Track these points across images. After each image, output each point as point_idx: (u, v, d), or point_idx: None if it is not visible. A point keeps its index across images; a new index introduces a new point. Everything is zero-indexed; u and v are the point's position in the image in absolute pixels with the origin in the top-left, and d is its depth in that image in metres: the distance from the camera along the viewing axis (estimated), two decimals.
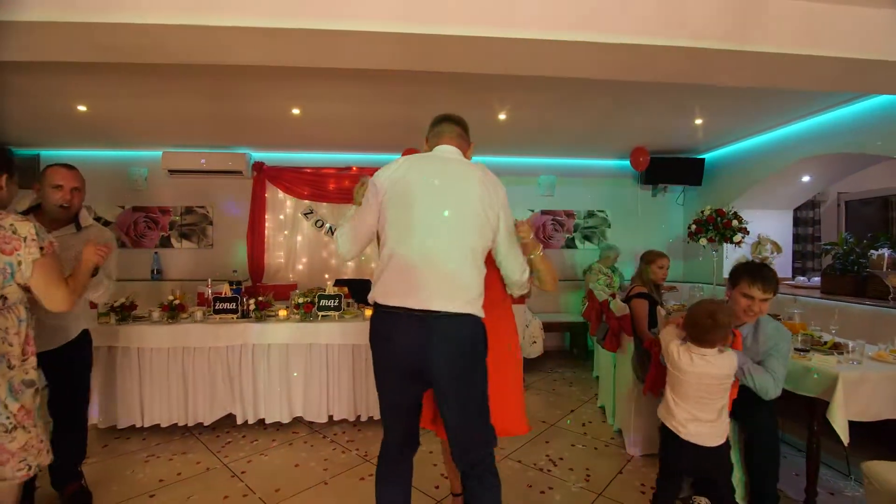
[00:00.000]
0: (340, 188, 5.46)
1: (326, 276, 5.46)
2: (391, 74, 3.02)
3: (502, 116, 3.98)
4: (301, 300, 3.11)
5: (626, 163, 5.64)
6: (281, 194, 5.42)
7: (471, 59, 2.41)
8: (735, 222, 3.76)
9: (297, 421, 3.15)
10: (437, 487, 2.38)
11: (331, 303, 3.16)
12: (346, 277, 5.31)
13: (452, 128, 1.72)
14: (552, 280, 1.81)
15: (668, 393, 1.84)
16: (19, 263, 1.53)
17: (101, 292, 2.13)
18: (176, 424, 3.00)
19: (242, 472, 2.51)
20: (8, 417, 1.54)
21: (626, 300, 2.90)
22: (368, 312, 3.23)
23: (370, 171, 5.49)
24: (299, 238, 5.47)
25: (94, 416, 2.87)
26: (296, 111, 3.82)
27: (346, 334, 3.08)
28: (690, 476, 2.03)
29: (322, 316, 3.15)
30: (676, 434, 1.76)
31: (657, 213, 6.10)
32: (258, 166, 5.29)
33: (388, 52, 2.31)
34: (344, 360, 3.12)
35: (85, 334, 2.20)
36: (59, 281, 1.63)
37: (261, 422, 3.08)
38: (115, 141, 4.88)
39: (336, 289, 3.25)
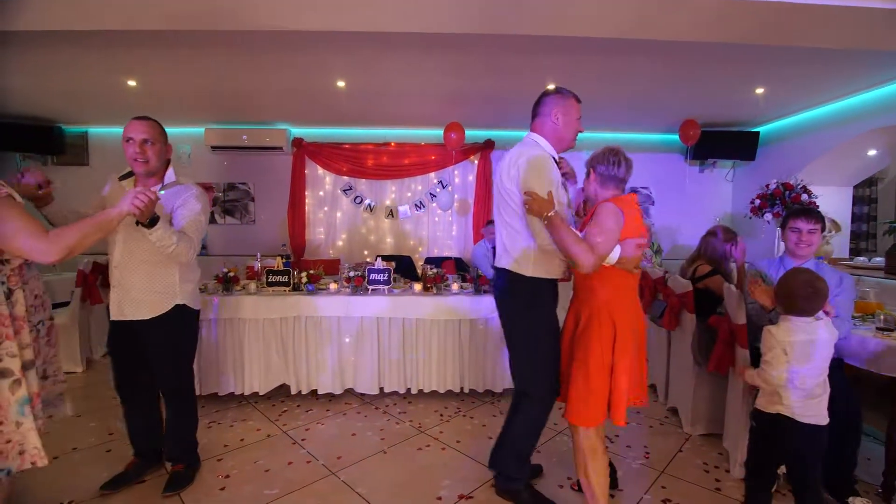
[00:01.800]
0: (378, 164, 5.43)
1: (366, 251, 5.49)
2: (440, 41, 2.93)
3: (551, 87, 3.83)
4: (352, 274, 3.12)
5: (674, 137, 5.40)
6: (320, 170, 5.43)
7: (525, 18, 2.31)
8: (804, 196, 3.54)
9: (349, 392, 3.20)
10: None
11: (380, 276, 3.16)
12: (385, 253, 5.33)
13: (532, 112, 1.97)
14: (566, 252, 1.66)
15: (772, 379, 1.71)
16: None
17: (175, 250, 1.83)
18: (232, 393, 3.08)
19: (303, 440, 2.57)
20: None
21: (696, 279, 2.76)
22: (418, 287, 3.22)
23: (409, 146, 5.46)
24: (339, 214, 5.50)
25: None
26: (341, 83, 3.77)
27: (396, 307, 3.08)
28: (783, 462, 1.94)
29: (371, 290, 3.15)
30: (791, 418, 1.67)
31: (704, 190, 5.86)
32: (297, 142, 5.30)
33: (439, 12, 2.23)
34: (394, 333, 3.13)
35: (178, 310, 2.01)
36: (15, 229, 1.39)
37: (313, 392, 3.14)
38: (160, 117, 4.93)
39: (385, 263, 3.24)
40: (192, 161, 5.36)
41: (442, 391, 3.15)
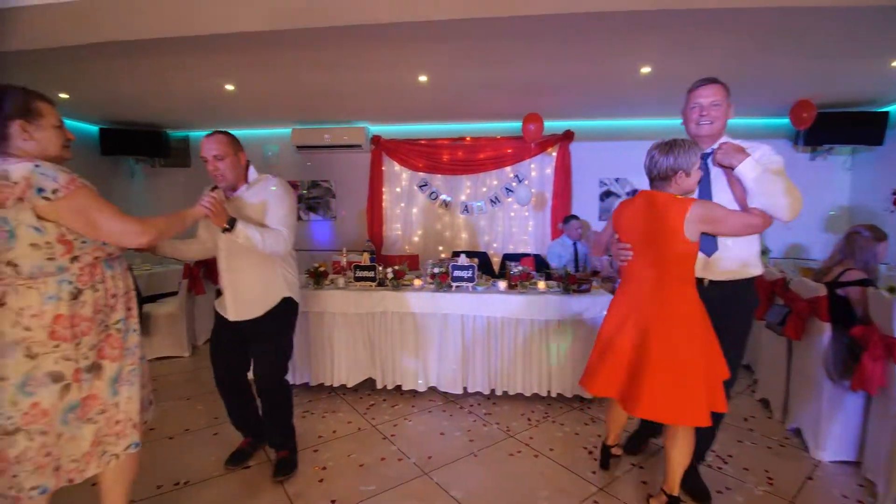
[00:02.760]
0: (454, 159, 5.38)
1: (441, 247, 5.48)
2: (523, 26, 2.77)
3: (646, 70, 3.54)
4: (436, 270, 3.09)
5: (782, 120, 4.82)
6: (397, 167, 5.49)
7: None
8: None
9: (432, 390, 3.18)
10: (593, 473, 2.23)
11: (465, 273, 3.10)
12: (460, 249, 5.28)
13: None
14: None
15: None
16: (22, 215, 1.27)
17: (265, 244, 1.90)
18: (322, 384, 3.18)
19: (392, 436, 2.57)
20: (20, 416, 1.30)
21: (837, 285, 2.38)
22: (503, 284, 3.11)
23: (484, 140, 5.36)
24: (415, 210, 5.54)
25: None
26: (423, 78, 3.74)
27: (480, 305, 3.00)
28: None
29: (456, 286, 3.10)
30: None
31: (816, 180, 5.18)
32: (376, 140, 5.39)
33: None
34: (478, 332, 3.06)
35: (285, 303, 2.12)
36: (114, 215, 1.40)
37: (398, 388, 3.16)
38: (254, 119, 5.25)
39: (469, 260, 3.18)
40: (279, 160, 5.65)
41: (527, 394, 3.03)
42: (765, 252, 4.42)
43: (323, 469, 2.24)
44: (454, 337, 3.08)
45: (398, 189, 5.55)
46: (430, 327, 3.09)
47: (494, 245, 5.52)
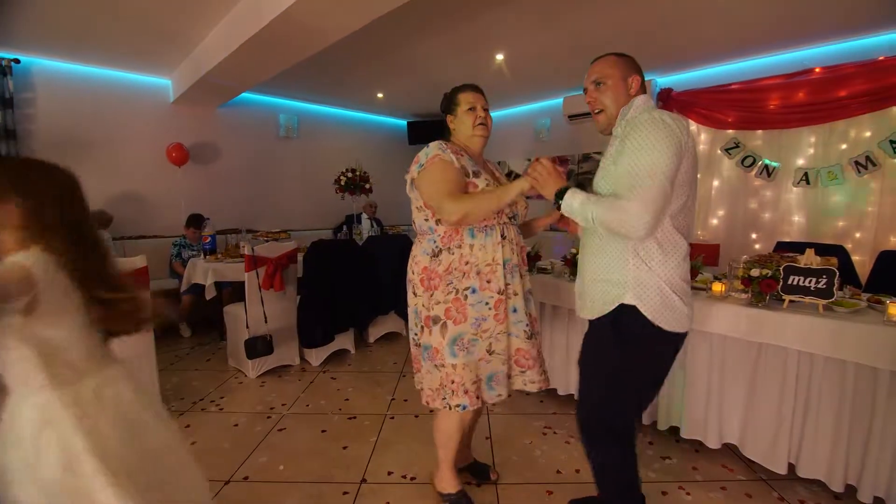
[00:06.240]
0: (788, 105, 3.70)
1: (753, 235, 3.95)
2: None
3: None
4: (757, 272, 1.98)
5: None
6: (693, 126, 4.20)
7: None
8: None
9: (729, 450, 2.14)
10: None
11: (810, 283, 1.88)
12: (787, 240, 3.64)
13: None
14: None
15: None
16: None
17: (606, 225, 1.26)
18: (571, 395, 2.63)
19: None
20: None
21: None
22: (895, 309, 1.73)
23: (849, 68, 3.42)
24: (715, 183, 4.16)
25: None
26: None
27: (842, 341, 1.75)
28: None
29: (790, 301, 1.93)
30: None
31: None
32: (664, 94, 4.25)
33: None
34: (827, 383, 1.82)
35: (621, 313, 1.32)
36: (439, 192, 1.50)
37: (672, 430, 2.27)
38: (523, 91, 5.00)
39: (819, 259, 1.92)
40: (549, 135, 5.25)
41: None
42: None
43: None
44: (777, 381, 1.94)
45: None
46: (735, 358, 2.05)
47: (857, 235, 3.56)
